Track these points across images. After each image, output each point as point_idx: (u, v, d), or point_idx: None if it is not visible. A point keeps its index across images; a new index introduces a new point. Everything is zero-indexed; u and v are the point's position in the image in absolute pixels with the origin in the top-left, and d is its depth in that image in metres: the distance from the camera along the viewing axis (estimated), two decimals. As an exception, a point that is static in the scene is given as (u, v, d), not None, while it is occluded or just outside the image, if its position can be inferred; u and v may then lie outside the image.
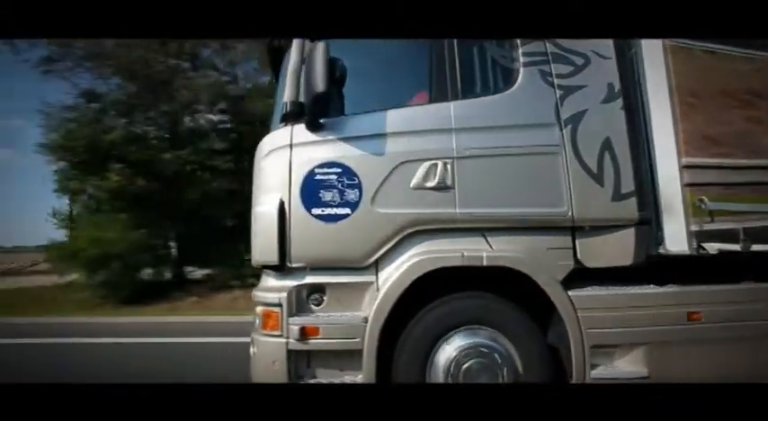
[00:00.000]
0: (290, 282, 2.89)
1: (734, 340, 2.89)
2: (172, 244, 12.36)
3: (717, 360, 2.88)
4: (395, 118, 2.99)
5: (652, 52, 3.00)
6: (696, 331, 2.88)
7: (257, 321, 2.97)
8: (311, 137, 2.94)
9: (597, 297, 2.91)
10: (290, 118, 2.99)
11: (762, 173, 3.03)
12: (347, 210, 2.87)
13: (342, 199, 2.87)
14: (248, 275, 9.37)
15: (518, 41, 3.08)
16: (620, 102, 3.06)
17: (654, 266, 3.04)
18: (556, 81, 3.05)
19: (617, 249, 3.00)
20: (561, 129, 2.99)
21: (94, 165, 11.07)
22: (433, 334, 2.84)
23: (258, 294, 3.05)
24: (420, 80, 3.19)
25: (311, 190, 2.88)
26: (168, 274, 12.03)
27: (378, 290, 2.86)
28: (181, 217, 11.71)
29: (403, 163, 2.90)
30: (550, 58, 3.07)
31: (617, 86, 3.07)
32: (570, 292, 2.87)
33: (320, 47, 2.78)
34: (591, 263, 2.98)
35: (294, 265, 2.89)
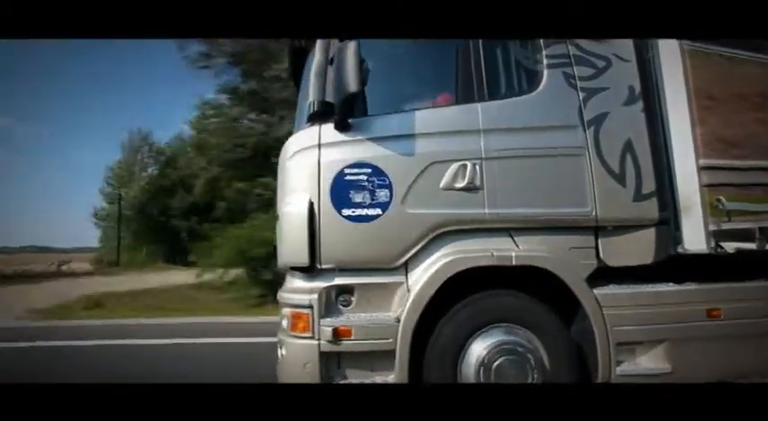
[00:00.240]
0: (320, 284, 2.87)
1: (753, 336, 2.98)
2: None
3: (737, 356, 2.97)
4: (423, 118, 3.00)
5: (670, 56, 3.07)
6: (716, 328, 2.96)
7: (285, 323, 2.95)
8: (340, 137, 2.93)
9: (622, 295, 2.97)
10: (317, 118, 2.97)
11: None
12: (378, 211, 2.86)
13: (372, 199, 2.87)
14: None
15: (541, 43, 3.12)
16: (640, 104, 3.13)
17: (672, 264, 3.11)
18: (579, 83, 3.10)
19: (638, 248, 3.07)
20: (585, 131, 3.04)
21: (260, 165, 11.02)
22: (465, 331, 2.85)
23: (285, 296, 3.02)
24: (444, 82, 3.21)
25: (341, 190, 2.87)
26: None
27: (408, 290, 2.86)
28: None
29: (433, 163, 2.92)
30: (573, 60, 3.12)
31: (637, 89, 3.14)
32: (595, 291, 2.93)
33: (351, 46, 2.76)
34: (613, 261, 3.04)
35: (324, 267, 2.87)
